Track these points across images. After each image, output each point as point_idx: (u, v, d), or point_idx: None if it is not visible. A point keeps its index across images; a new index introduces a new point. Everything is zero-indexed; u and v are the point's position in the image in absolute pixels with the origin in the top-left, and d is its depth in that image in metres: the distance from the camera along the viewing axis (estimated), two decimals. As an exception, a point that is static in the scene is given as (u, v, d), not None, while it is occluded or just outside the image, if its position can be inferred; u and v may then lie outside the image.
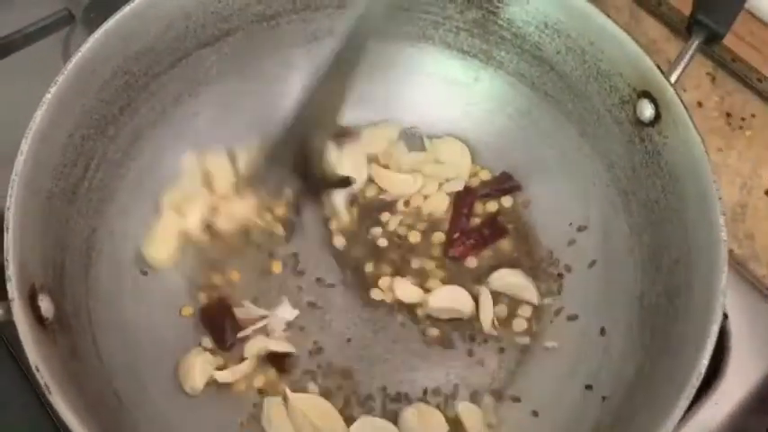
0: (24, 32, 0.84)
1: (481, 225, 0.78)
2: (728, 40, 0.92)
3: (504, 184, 0.80)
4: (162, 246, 0.71)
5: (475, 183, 0.80)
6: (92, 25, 0.83)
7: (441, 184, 0.80)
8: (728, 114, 0.92)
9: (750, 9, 0.94)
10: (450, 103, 0.82)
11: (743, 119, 0.91)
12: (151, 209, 0.73)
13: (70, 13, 0.86)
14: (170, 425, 0.64)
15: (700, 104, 0.92)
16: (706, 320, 0.57)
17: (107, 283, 0.67)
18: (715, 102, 0.92)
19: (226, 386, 0.68)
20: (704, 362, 0.55)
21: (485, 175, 0.81)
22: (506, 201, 0.80)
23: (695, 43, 0.68)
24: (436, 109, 0.82)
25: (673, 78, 0.65)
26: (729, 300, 0.77)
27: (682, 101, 0.64)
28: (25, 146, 0.58)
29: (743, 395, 0.76)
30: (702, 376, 0.55)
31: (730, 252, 0.81)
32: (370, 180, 0.80)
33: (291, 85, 0.78)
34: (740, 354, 0.77)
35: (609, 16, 0.69)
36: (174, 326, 0.71)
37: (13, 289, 0.53)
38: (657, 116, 0.66)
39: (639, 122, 0.68)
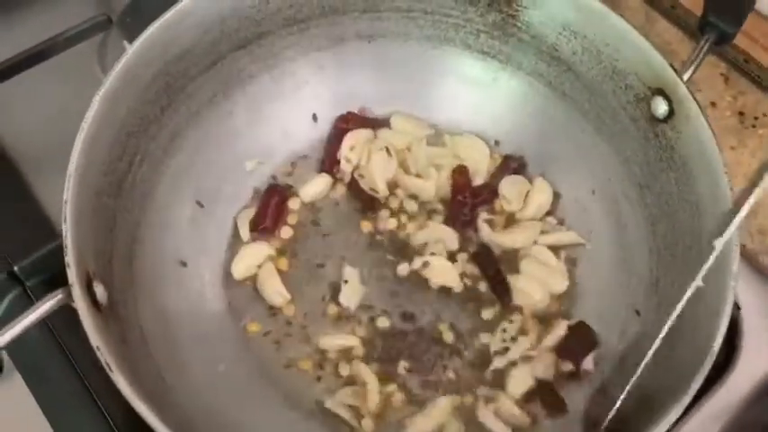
0: (66, 36, 0.91)
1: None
2: (741, 42, 0.96)
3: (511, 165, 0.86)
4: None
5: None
6: (127, 30, 0.91)
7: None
8: (741, 113, 0.95)
9: (763, 12, 0.99)
10: (470, 102, 0.87)
11: (755, 118, 0.95)
12: (189, 204, 0.79)
13: (108, 18, 0.93)
14: (210, 405, 0.69)
15: (713, 104, 0.95)
16: (719, 302, 0.62)
17: (149, 274, 0.72)
18: (728, 101, 0.96)
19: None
20: (718, 341, 0.61)
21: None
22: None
23: (707, 43, 0.74)
24: (457, 107, 0.88)
25: (686, 76, 0.71)
26: (741, 292, 0.83)
27: (694, 97, 0.69)
28: (78, 143, 0.64)
29: (754, 384, 0.81)
30: (715, 357, 0.61)
31: (742, 247, 0.86)
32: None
33: (320, 86, 0.86)
34: (752, 344, 0.82)
35: (624, 18, 0.74)
36: (211, 314, 0.76)
37: (72, 274, 0.59)
38: (671, 112, 0.71)
39: (654, 119, 0.73)
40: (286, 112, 0.85)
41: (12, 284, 0.79)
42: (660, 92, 0.72)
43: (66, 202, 0.62)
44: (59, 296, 0.60)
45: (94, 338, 0.57)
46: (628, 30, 0.73)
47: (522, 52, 0.83)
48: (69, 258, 0.60)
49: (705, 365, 0.60)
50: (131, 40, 0.87)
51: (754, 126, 0.95)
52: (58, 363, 0.76)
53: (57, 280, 0.75)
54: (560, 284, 0.80)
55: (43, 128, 0.90)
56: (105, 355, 0.57)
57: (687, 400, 0.59)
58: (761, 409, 0.83)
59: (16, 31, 0.96)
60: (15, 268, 0.79)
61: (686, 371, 0.61)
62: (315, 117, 0.87)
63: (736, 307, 0.83)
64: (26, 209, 0.85)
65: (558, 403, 0.74)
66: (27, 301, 0.78)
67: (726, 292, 0.62)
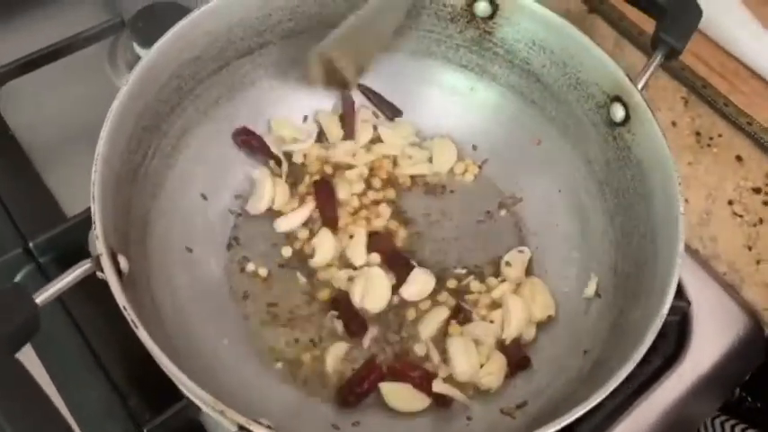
0: (82, 36, 1.00)
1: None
2: (700, 69, 1.08)
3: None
4: None
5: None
6: (139, 33, 1.01)
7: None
8: (698, 133, 1.07)
9: (720, 43, 1.11)
10: (450, 110, 0.98)
11: (711, 138, 1.06)
12: (194, 196, 0.88)
13: (122, 21, 1.02)
14: (218, 376, 0.77)
15: (674, 124, 1.07)
16: (667, 278, 0.73)
17: (160, 256, 0.81)
18: (687, 122, 1.08)
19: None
20: (665, 308, 0.71)
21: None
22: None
23: (658, 56, 0.85)
24: (439, 115, 0.98)
25: (639, 85, 0.82)
26: (693, 291, 0.94)
27: (647, 103, 0.81)
28: (104, 132, 0.73)
29: (702, 371, 0.92)
30: (663, 320, 0.70)
31: (696, 252, 0.98)
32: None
33: (314, 92, 0.96)
34: (701, 336, 0.93)
35: (593, 40, 0.86)
36: (215, 296, 0.85)
37: (101, 245, 0.68)
38: (627, 117, 0.83)
39: (612, 123, 0.85)
40: (283, 114, 0.96)
41: (26, 260, 0.88)
42: (618, 99, 0.84)
43: (93, 183, 0.71)
44: (88, 264, 0.68)
45: (121, 299, 0.65)
46: (589, 44, 0.85)
47: (497, 65, 0.95)
48: (98, 231, 0.68)
49: (654, 328, 0.70)
50: (142, 43, 0.98)
51: (709, 145, 1.06)
52: (67, 334, 0.84)
53: (67, 257, 0.85)
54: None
55: (54, 121, 1.00)
56: (131, 314, 0.65)
57: (637, 358, 0.69)
58: (707, 396, 0.94)
59: (36, 31, 1.06)
60: (30, 245, 0.87)
61: (637, 336, 0.71)
62: (305, 119, 0.98)
63: (687, 303, 0.94)
64: (38, 194, 0.93)
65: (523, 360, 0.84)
66: (39, 276, 0.87)
67: (673, 269, 0.73)
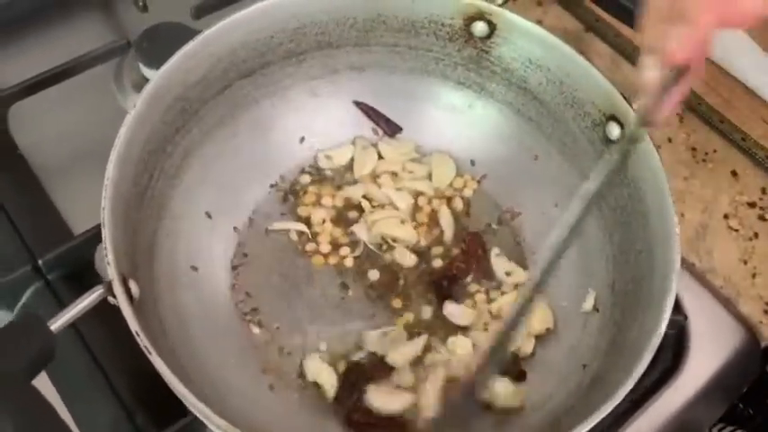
0: (90, 56, 1.02)
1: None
2: (695, 86, 1.10)
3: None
4: None
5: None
6: (144, 53, 1.03)
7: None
8: (693, 149, 1.10)
9: (715, 60, 1.15)
10: (449, 127, 1.00)
11: (706, 153, 1.09)
12: (199, 215, 0.90)
13: (128, 41, 1.04)
14: (227, 398, 0.79)
15: (669, 140, 1.10)
16: (664, 296, 0.75)
17: (166, 277, 0.83)
18: (682, 138, 1.10)
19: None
20: (663, 326, 0.73)
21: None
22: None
23: None
24: (437, 131, 1.01)
25: (635, 105, 0.83)
26: (690, 305, 0.96)
27: None
28: (113, 157, 0.76)
29: (699, 385, 0.93)
30: (661, 338, 0.72)
31: (692, 266, 1.00)
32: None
33: (315, 111, 0.99)
34: (698, 350, 0.95)
35: (591, 60, 0.88)
36: (221, 316, 0.87)
37: (112, 271, 0.70)
38: (623, 137, 0.85)
39: (609, 141, 0.87)
40: (283, 133, 0.98)
41: (35, 277, 0.89)
42: (613, 118, 0.86)
43: (103, 209, 0.73)
44: (100, 290, 0.71)
45: (134, 325, 0.67)
46: (585, 64, 0.88)
47: (494, 83, 0.97)
48: (109, 258, 0.71)
49: (652, 346, 0.72)
50: (147, 63, 1.01)
51: (704, 160, 1.09)
52: (76, 353, 0.86)
53: (75, 274, 0.88)
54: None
55: (62, 140, 1.03)
56: (144, 340, 0.67)
57: (637, 375, 0.71)
58: (705, 408, 0.96)
59: (43, 52, 1.08)
60: (39, 262, 0.89)
61: (636, 353, 0.73)
62: (302, 140, 1.00)
63: (684, 317, 0.96)
64: (45, 212, 0.96)
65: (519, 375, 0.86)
66: (48, 293, 0.89)
67: (669, 287, 0.75)
